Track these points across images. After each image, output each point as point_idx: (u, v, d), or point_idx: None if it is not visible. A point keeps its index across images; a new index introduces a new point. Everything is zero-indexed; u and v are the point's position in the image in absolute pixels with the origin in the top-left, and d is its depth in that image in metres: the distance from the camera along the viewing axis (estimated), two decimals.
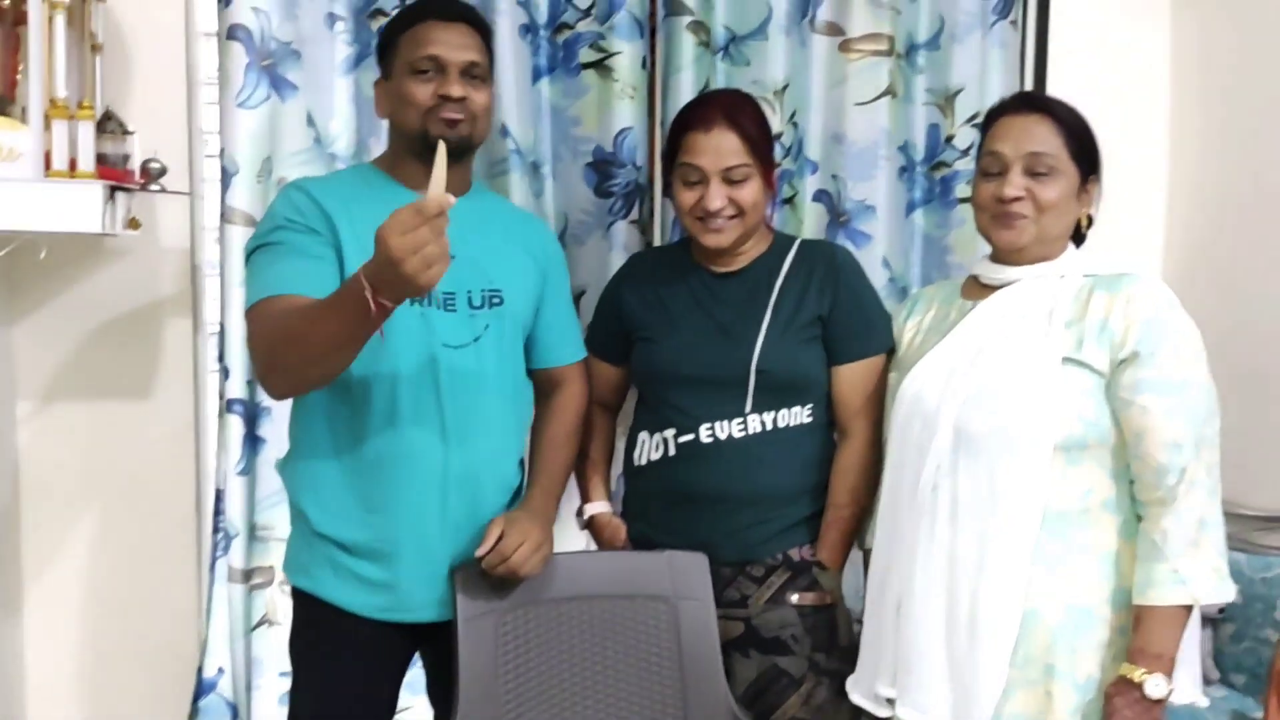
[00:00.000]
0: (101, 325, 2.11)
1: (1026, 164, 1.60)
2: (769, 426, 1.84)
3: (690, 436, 1.85)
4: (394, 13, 1.81)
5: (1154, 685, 1.48)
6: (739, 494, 1.85)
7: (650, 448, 1.90)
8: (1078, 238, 1.68)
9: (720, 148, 1.78)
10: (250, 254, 1.59)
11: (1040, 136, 1.61)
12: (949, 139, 2.35)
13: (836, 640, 1.88)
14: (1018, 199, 1.60)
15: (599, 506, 1.98)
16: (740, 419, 1.84)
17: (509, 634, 1.77)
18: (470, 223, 1.65)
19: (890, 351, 1.84)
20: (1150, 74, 2.49)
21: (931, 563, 1.59)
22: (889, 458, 1.71)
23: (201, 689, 2.11)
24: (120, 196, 1.85)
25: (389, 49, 1.66)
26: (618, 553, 1.88)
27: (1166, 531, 1.51)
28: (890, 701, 1.65)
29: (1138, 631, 1.52)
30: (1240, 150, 2.36)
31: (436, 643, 1.73)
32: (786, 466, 1.86)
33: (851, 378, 1.85)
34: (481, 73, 1.65)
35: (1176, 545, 1.50)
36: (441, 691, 1.77)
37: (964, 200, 2.34)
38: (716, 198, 1.79)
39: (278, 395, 1.60)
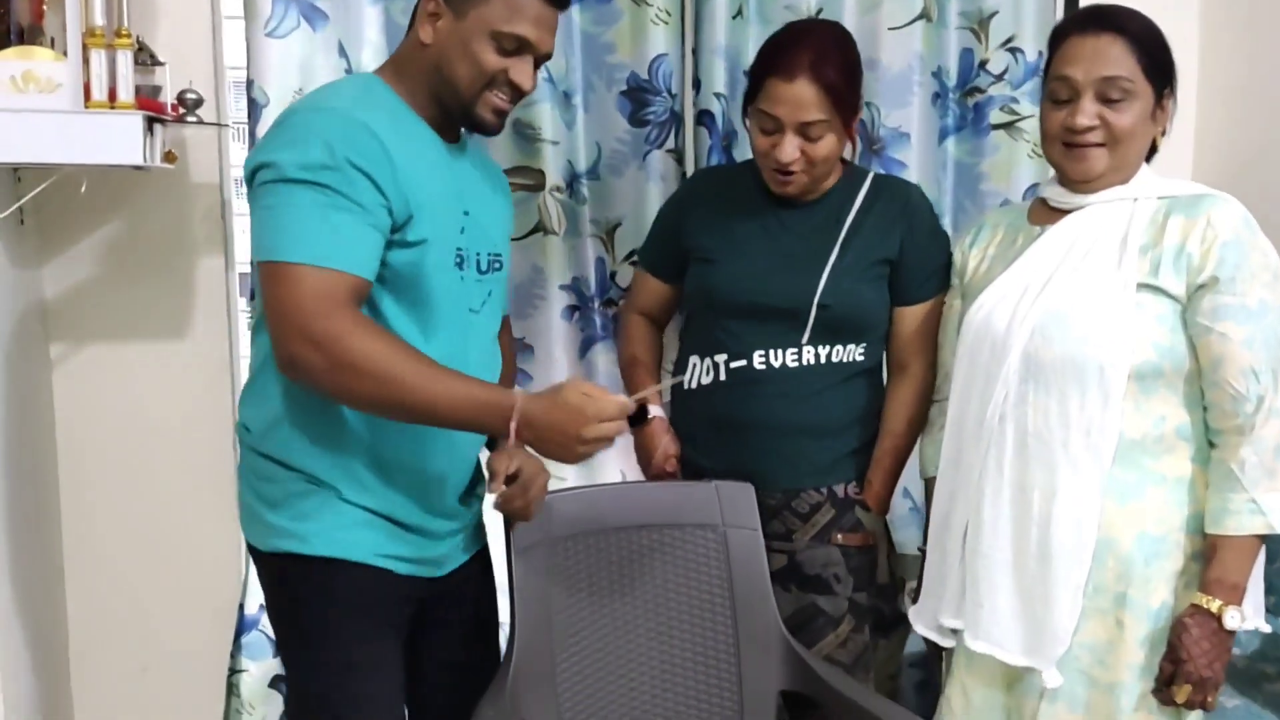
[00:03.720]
0: (133, 263, 2.08)
1: (1099, 90, 1.52)
2: (823, 360, 1.84)
3: (743, 362, 1.84)
4: None
5: (1231, 617, 1.46)
6: (787, 422, 1.84)
7: (701, 371, 1.89)
8: (1150, 154, 1.60)
9: (800, 99, 1.71)
10: (281, 181, 1.33)
11: (1113, 58, 1.51)
12: (983, 64, 2.31)
13: (875, 579, 1.91)
14: (1091, 129, 1.52)
15: (659, 410, 1.94)
16: (795, 349, 1.83)
17: (560, 563, 1.78)
18: (471, 179, 1.57)
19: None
20: None
21: (1000, 494, 1.57)
22: (955, 387, 1.67)
23: (243, 626, 2.11)
24: (157, 129, 1.81)
25: None
26: (666, 483, 1.89)
27: (1244, 461, 1.47)
28: (955, 633, 1.64)
29: (1213, 562, 1.48)
30: (1272, 53, 2.32)
31: (440, 594, 1.61)
32: (836, 400, 1.86)
33: (915, 318, 1.86)
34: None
35: (1254, 475, 1.47)
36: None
37: (996, 127, 2.32)
38: (789, 151, 1.74)
39: (313, 384, 1.37)
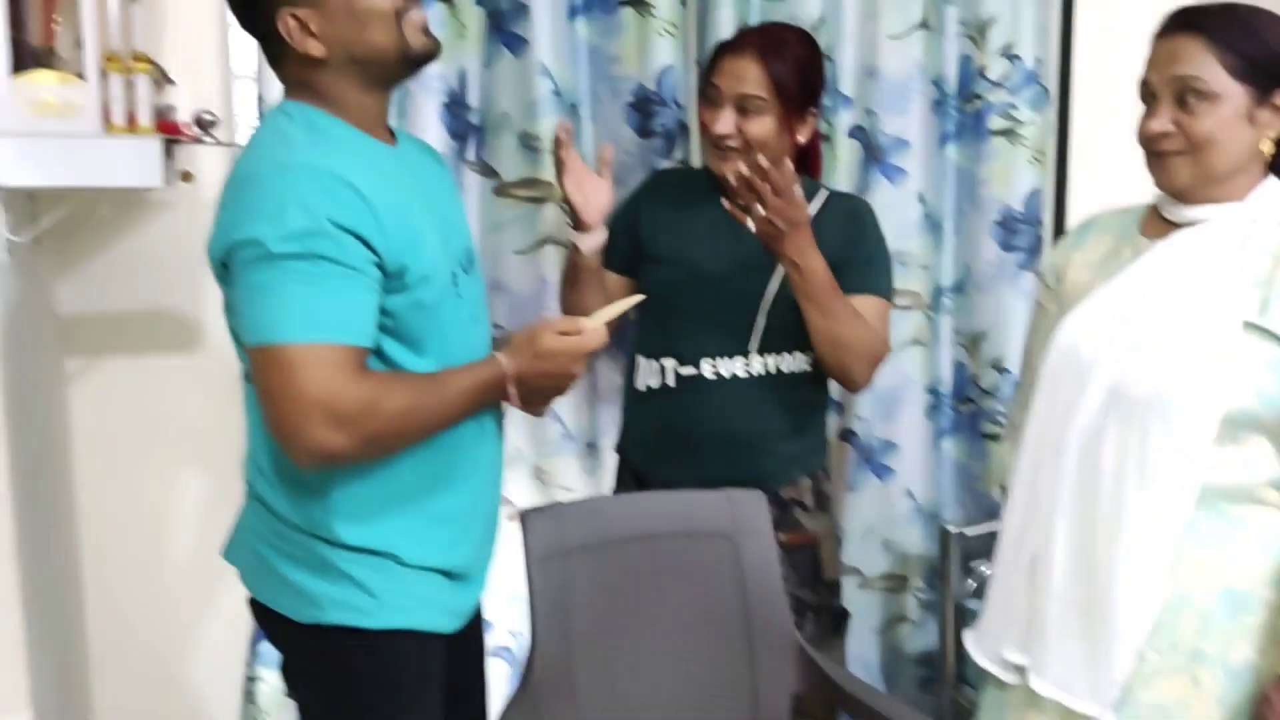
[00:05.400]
0: (147, 278, 2.09)
1: (1175, 91, 1.39)
2: (771, 370, 1.89)
3: (692, 370, 1.89)
4: None
5: None
6: (737, 433, 1.91)
7: (648, 373, 1.94)
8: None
9: (741, 74, 1.80)
10: (265, 258, 1.25)
11: (1188, 57, 1.38)
12: (981, 71, 2.34)
13: (821, 576, 1.99)
14: (1164, 135, 1.40)
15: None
16: (744, 358, 1.88)
17: (576, 574, 1.81)
18: (421, 173, 1.48)
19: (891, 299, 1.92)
20: None
21: (1071, 533, 1.46)
22: (1035, 409, 1.54)
23: (258, 634, 2.14)
24: (174, 149, 1.83)
25: None
26: (678, 493, 1.91)
27: None
28: (1019, 669, 1.52)
29: None
30: None
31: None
32: (783, 409, 1.92)
33: (860, 308, 1.88)
34: None
35: None
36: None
37: (996, 133, 2.35)
38: (724, 123, 1.81)
39: (341, 462, 1.34)
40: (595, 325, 1.45)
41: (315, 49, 1.34)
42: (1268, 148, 1.41)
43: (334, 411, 1.26)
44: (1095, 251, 1.56)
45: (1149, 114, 1.42)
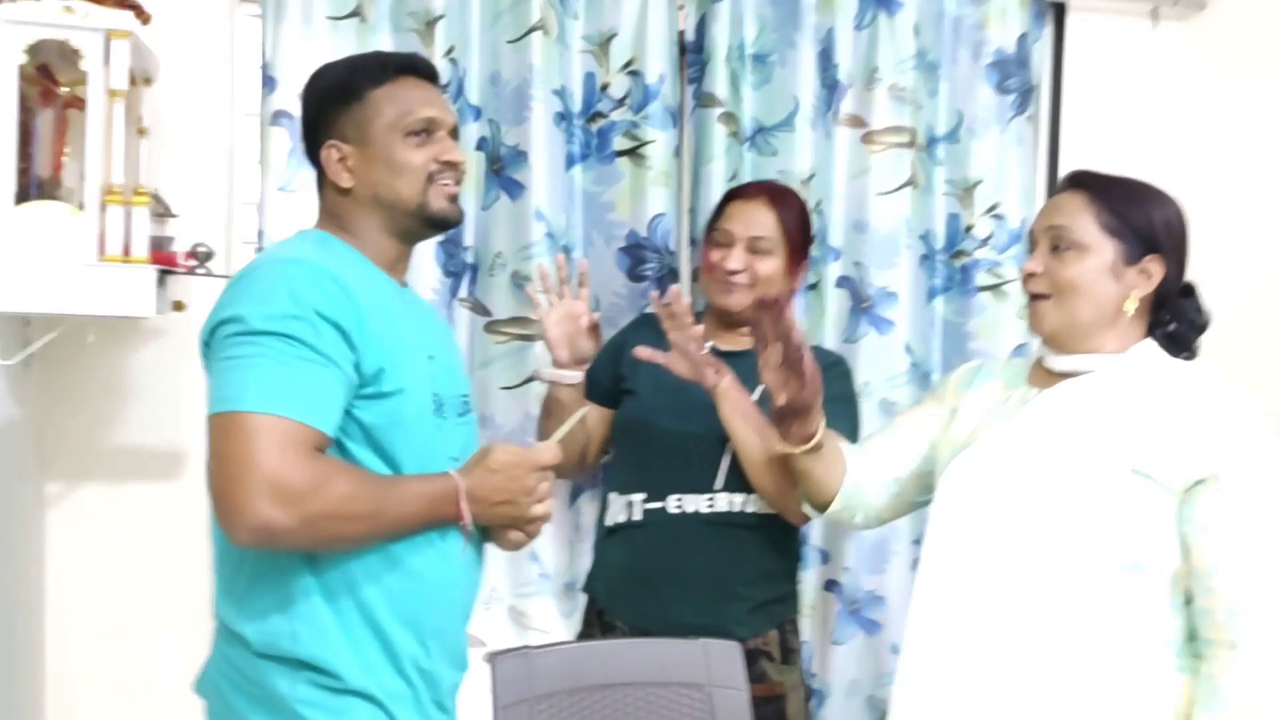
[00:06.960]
0: (133, 405, 2.11)
1: (1050, 238, 1.49)
2: (736, 508, 1.90)
3: (658, 505, 1.91)
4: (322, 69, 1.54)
5: None
6: (700, 574, 1.90)
7: (617, 509, 1.96)
8: (1177, 339, 1.51)
9: (753, 218, 1.93)
10: (245, 333, 1.28)
11: (1066, 210, 1.49)
12: (969, 228, 2.40)
13: None
14: (1033, 275, 1.50)
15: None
16: (709, 495, 1.90)
17: None
18: (426, 320, 1.55)
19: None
20: (1169, 165, 2.48)
21: (964, 683, 1.46)
22: (924, 547, 1.58)
23: None
24: (168, 279, 1.87)
25: (347, 107, 1.45)
26: (651, 640, 1.88)
27: (1236, 679, 1.35)
28: None
29: None
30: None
31: None
32: (749, 553, 1.92)
33: None
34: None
35: (1244, 695, 1.34)
36: None
37: (983, 289, 2.40)
38: (736, 259, 1.92)
39: (281, 544, 1.30)
40: (549, 444, 1.50)
41: (345, 180, 1.45)
42: (1132, 307, 1.48)
43: (280, 486, 1.24)
44: (987, 396, 1.62)
45: (1029, 258, 1.53)
